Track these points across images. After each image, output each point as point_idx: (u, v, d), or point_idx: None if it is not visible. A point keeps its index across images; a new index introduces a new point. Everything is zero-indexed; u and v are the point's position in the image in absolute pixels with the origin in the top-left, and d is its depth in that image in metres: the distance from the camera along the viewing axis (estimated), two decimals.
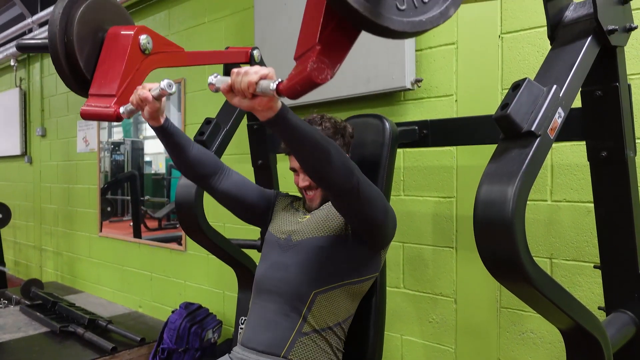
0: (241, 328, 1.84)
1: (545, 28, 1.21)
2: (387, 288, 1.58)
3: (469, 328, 2.00)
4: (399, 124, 1.66)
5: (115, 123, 3.98)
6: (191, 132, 3.04)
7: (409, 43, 2.03)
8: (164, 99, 1.17)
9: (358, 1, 0.66)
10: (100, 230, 4.12)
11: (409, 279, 2.16)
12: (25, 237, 5.26)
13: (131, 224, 3.90)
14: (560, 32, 1.16)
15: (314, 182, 1.36)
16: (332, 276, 1.33)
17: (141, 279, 3.70)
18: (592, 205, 1.68)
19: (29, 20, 4.35)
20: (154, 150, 3.72)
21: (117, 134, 4.02)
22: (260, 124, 1.94)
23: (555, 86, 1.01)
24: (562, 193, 1.76)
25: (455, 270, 2.01)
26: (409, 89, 2.08)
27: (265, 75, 0.88)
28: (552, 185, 1.78)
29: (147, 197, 3.76)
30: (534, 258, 0.94)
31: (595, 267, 1.37)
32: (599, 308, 1.36)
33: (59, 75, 1.24)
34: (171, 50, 1.37)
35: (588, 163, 1.29)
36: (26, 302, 3.80)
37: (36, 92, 4.92)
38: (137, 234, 3.79)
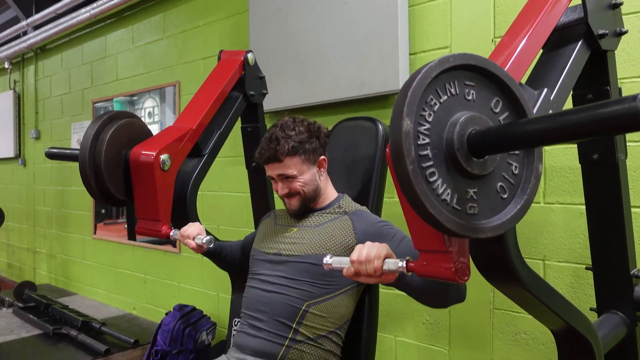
0: (235, 330, 1.84)
1: None
2: (380, 289, 1.58)
3: (462, 329, 2.01)
4: None
5: None
6: None
7: (403, 47, 2.04)
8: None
9: (473, 229, 0.72)
10: (95, 233, 4.11)
11: None
12: (19, 240, 5.24)
13: (125, 226, 3.89)
14: (552, 36, 1.17)
15: None
16: (327, 289, 1.33)
17: (135, 281, 3.69)
18: (584, 207, 1.70)
19: (24, 23, 4.34)
20: None
21: None
22: (254, 127, 1.95)
23: (546, 89, 1.02)
24: (555, 195, 1.77)
25: None
26: None
27: (386, 255, 0.93)
28: (545, 188, 1.79)
29: None
30: (527, 260, 0.95)
31: (587, 268, 1.39)
32: (591, 309, 1.37)
33: (87, 189, 1.42)
34: (182, 146, 1.52)
35: (580, 165, 1.30)
36: (19, 304, 3.77)
37: (30, 94, 4.91)
38: (131, 236, 3.78)
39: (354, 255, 0.94)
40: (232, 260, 1.64)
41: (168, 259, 3.41)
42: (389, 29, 2.04)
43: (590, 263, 1.36)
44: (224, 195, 2.97)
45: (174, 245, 3.37)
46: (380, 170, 1.50)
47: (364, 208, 1.43)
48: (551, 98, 1.02)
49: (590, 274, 1.68)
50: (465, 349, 2.01)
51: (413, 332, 2.16)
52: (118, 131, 1.43)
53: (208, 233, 1.46)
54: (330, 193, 1.46)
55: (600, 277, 1.33)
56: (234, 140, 1.73)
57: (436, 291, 1.12)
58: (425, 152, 0.69)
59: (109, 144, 1.39)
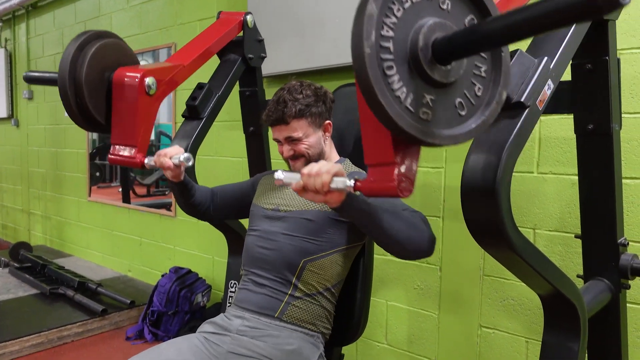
0: (231, 292, 1.87)
1: None
2: (374, 255, 1.61)
3: (452, 295, 2.07)
4: None
5: None
6: (182, 97, 3.02)
7: None
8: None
9: (425, 132, 0.70)
10: (89, 195, 4.12)
11: None
12: (13, 201, 5.24)
13: (119, 190, 3.89)
14: None
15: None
16: (321, 246, 1.36)
17: (130, 243, 3.73)
18: (577, 177, 1.73)
19: None
20: None
21: None
22: (252, 91, 1.94)
23: (546, 58, 1.02)
24: (548, 165, 1.80)
25: (441, 239, 2.06)
26: None
27: (336, 173, 0.93)
28: (539, 158, 1.81)
29: None
30: (519, 228, 0.97)
31: (576, 236, 1.42)
32: (578, 276, 1.41)
33: (67, 114, 1.31)
34: (172, 76, 1.43)
35: (574, 136, 1.32)
36: (15, 264, 3.81)
37: (22, 53, 4.82)
38: (126, 199, 3.79)
39: (305, 169, 0.95)
40: (200, 202, 1.54)
41: (163, 222, 3.43)
42: None
43: (579, 232, 1.40)
44: (220, 160, 2.98)
45: (169, 209, 3.40)
46: None
47: (363, 172, 1.46)
48: (551, 67, 1.02)
49: (578, 243, 1.73)
50: (454, 313, 2.07)
51: (404, 296, 2.21)
52: (102, 50, 1.32)
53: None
54: (333, 157, 1.48)
55: (588, 245, 1.37)
56: (230, 105, 1.73)
57: (395, 228, 1.12)
58: (387, 45, 0.68)
59: (91, 60, 1.28)
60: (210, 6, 2.96)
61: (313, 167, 0.94)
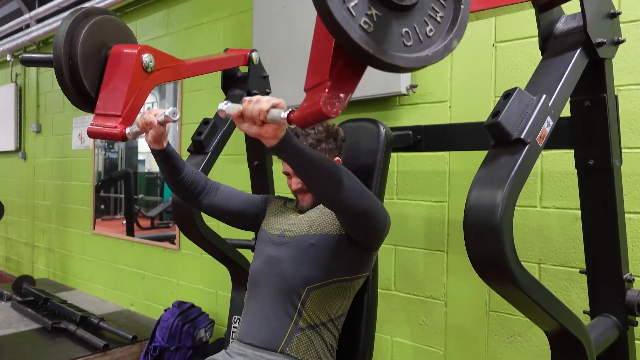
0: (234, 327, 1.86)
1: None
2: (378, 290, 1.60)
3: (458, 330, 2.04)
4: (393, 129, 1.69)
5: None
6: (188, 131, 3.07)
7: None
8: (168, 124, 1.23)
9: (365, 40, 0.69)
10: (94, 228, 4.13)
11: (400, 281, 2.19)
12: (17, 234, 5.25)
13: (123, 222, 3.90)
14: (551, 43, 1.20)
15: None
16: (325, 273, 1.36)
17: (134, 277, 3.71)
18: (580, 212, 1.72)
19: (27, 16, 4.36)
20: (148, 149, 3.73)
21: None
22: None
23: (544, 96, 1.04)
24: (551, 200, 1.80)
25: (446, 273, 2.04)
26: (404, 94, 2.12)
27: (276, 105, 0.93)
28: (542, 192, 1.82)
29: (140, 196, 3.77)
30: (523, 263, 0.97)
31: (581, 272, 1.41)
32: (584, 312, 1.40)
33: (63, 92, 1.28)
34: (172, 65, 1.40)
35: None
36: (17, 298, 3.79)
37: (32, 87, 4.92)
38: (130, 232, 3.80)
39: (248, 97, 0.96)
40: (193, 181, 1.44)
41: (167, 256, 3.43)
42: None
43: (584, 267, 1.39)
44: None
45: (173, 242, 3.39)
46: (382, 171, 1.53)
47: None
48: (550, 104, 1.04)
49: (584, 277, 1.71)
50: (460, 350, 2.03)
51: (409, 332, 2.18)
52: (98, 26, 1.27)
53: None
54: None
55: (593, 280, 1.36)
56: (236, 138, 1.76)
57: (330, 173, 1.12)
58: None
59: (86, 35, 1.23)
60: (216, 43, 3.03)
61: (255, 96, 0.95)
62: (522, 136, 0.99)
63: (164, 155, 1.34)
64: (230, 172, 2.93)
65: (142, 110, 1.29)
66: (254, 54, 1.85)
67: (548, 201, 1.80)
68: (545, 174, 1.81)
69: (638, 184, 1.63)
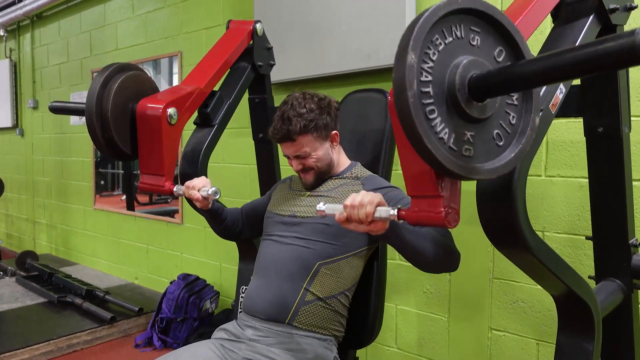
0: (242, 297, 1.89)
1: None
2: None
3: (462, 298, 2.08)
4: None
5: None
6: None
7: (410, 17, 2.05)
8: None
9: (457, 165, 0.73)
10: (95, 204, 4.14)
11: None
12: (18, 210, 5.26)
13: (122, 198, 3.91)
14: (564, 10, 1.19)
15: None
16: (339, 249, 1.37)
17: (137, 251, 3.74)
18: (584, 180, 1.74)
19: None
20: None
21: None
22: (261, 98, 1.97)
23: None
24: (556, 169, 1.81)
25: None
26: None
27: (379, 203, 0.95)
28: (547, 161, 1.83)
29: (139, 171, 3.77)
30: None
31: (587, 238, 1.43)
32: (589, 277, 1.42)
33: (93, 141, 1.41)
34: (189, 103, 1.51)
35: (582, 140, 1.33)
36: (22, 273, 3.82)
37: (27, 63, 4.85)
38: (130, 207, 3.81)
39: (348, 200, 0.96)
40: (233, 223, 1.59)
41: (170, 230, 3.45)
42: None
43: (589, 234, 1.41)
44: (227, 167, 3.00)
45: (172, 215, 3.41)
46: (390, 142, 1.53)
47: (377, 176, 1.47)
48: None
49: (587, 245, 1.75)
50: (464, 316, 2.08)
51: (414, 300, 2.22)
52: (125, 83, 1.41)
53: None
54: (343, 161, 1.50)
55: (600, 246, 1.38)
56: (237, 112, 1.75)
57: (428, 250, 1.15)
58: (427, 90, 0.71)
59: (116, 95, 1.38)
60: (216, 15, 2.99)
61: (355, 199, 0.96)
62: None
63: (211, 214, 1.50)
64: (233, 146, 2.93)
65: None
66: (257, 26, 1.82)
67: (553, 170, 1.82)
68: (550, 143, 1.82)
69: None
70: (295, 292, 1.36)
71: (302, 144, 1.40)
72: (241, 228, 1.62)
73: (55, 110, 1.69)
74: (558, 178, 1.81)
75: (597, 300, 1.17)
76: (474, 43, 0.77)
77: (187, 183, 1.38)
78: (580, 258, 1.77)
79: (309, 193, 1.48)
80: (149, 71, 3.53)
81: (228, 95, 1.74)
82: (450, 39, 0.74)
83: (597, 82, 1.26)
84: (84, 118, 1.42)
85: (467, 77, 0.74)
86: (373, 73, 2.23)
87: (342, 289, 1.39)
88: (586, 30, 1.11)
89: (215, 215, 1.52)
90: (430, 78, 0.71)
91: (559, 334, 1.20)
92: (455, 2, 0.73)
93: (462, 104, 0.74)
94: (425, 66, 0.71)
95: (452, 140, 0.73)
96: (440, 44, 0.73)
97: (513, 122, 0.82)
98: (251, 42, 1.82)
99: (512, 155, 0.80)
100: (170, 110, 1.40)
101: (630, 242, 1.33)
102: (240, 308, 1.83)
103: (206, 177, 1.70)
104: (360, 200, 0.95)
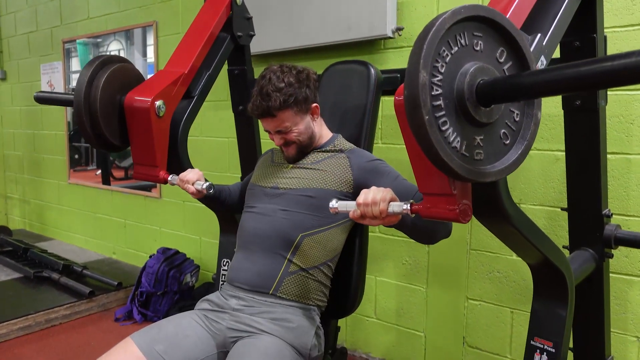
0: (224, 269, 1.89)
1: None
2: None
3: (440, 269, 2.13)
4: (382, 72, 1.68)
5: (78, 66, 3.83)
6: None
7: None
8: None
9: (464, 168, 0.74)
10: (70, 178, 4.05)
11: None
12: None
13: (97, 172, 3.84)
14: None
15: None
16: (322, 220, 1.38)
17: (114, 225, 3.70)
18: (560, 153, 1.78)
19: None
20: None
21: None
22: (241, 69, 1.93)
23: (539, 35, 1.05)
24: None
25: None
26: (390, 37, 2.10)
27: (391, 199, 0.97)
28: None
29: None
30: None
31: (562, 209, 1.47)
32: (564, 247, 1.47)
33: (83, 135, 1.46)
34: (176, 90, 1.53)
35: (559, 114, 1.36)
36: None
37: None
38: (106, 181, 3.75)
39: (360, 198, 0.99)
40: (232, 203, 1.65)
41: (148, 204, 3.41)
42: None
43: (564, 206, 1.45)
44: (206, 140, 2.96)
45: (149, 190, 3.37)
46: (372, 113, 1.53)
47: (357, 148, 1.48)
48: (544, 43, 1.05)
49: (562, 216, 1.80)
50: (441, 287, 2.13)
51: (393, 272, 2.26)
52: (112, 76, 1.43)
53: (206, 180, 1.48)
54: (325, 133, 1.50)
55: (574, 216, 1.42)
56: (215, 84, 1.73)
57: (430, 229, 1.20)
58: (438, 103, 0.73)
59: (103, 89, 1.39)
60: None
61: (368, 196, 0.98)
62: None
63: (208, 199, 1.58)
64: (211, 119, 2.89)
65: None
66: None
67: None
68: None
69: (617, 125, 1.69)
70: (279, 264, 1.37)
71: (283, 119, 1.39)
72: (239, 203, 1.65)
73: (40, 100, 1.67)
74: (535, 151, 1.85)
75: (571, 268, 1.21)
76: (478, 48, 0.79)
77: (182, 176, 1.45)
78: (555, 229, 1.83)
79: (292, 165, 1.48)
80: (121, 42, 3.44)
81: (207, 66, 1.71)
82: (456, 48, 0.76)
83: (576, 55, 1.27)
84: (56, 89, 1.41)
85: (474, 84, 0.76)
86: (353, 45, 2.22)
87: (324, 260, 1.40)
88: (567, 3, 1.11)
89: (212, 200, 1.60)
90: (440, 91, 0.73)
91: (534, 301, 1.24)
92: (459, 12, 0.74)
93: (471, 111, 0.76)
94: (435, 80, 0.72)
95: (464, 147, 0.76)
96: (447, 55, 0.74)
97: (517, 119, 0.84)
98: (230, 12, 1.79)
99: (519, 152, 0.83)
100: (158, 103, 1.43)
101: (604, 212, 1.37)
102: (224, 280, 1.84)
103: (186, 150, 1.69)
104: (372, 198, 0.98)
